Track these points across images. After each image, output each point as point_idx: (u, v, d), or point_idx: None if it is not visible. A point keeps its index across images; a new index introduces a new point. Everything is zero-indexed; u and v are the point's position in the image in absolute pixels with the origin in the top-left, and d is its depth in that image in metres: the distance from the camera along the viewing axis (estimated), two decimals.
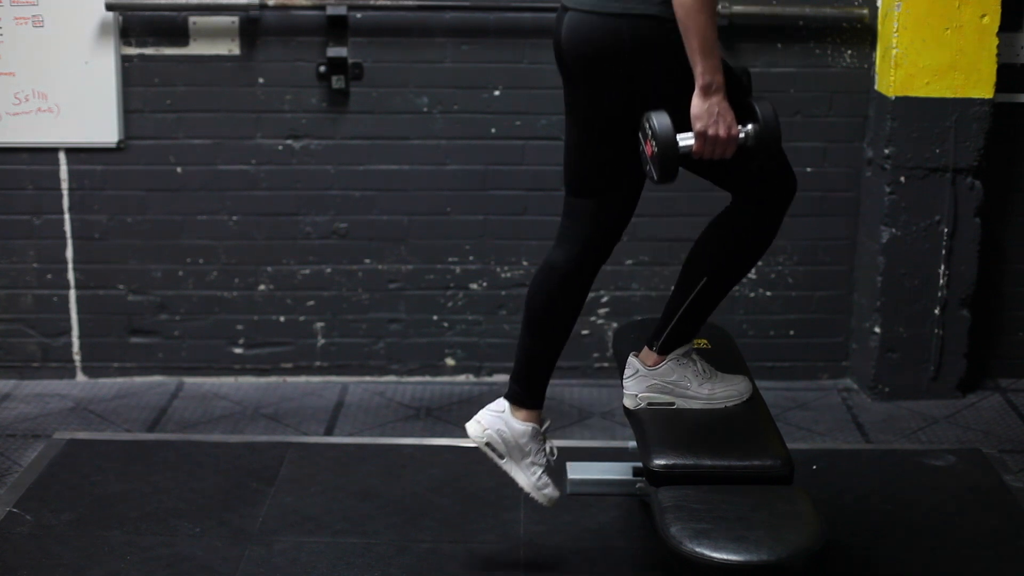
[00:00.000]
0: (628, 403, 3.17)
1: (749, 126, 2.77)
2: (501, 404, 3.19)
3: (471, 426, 3.19)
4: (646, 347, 3.16)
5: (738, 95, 2.78)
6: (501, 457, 3.18)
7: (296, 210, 4.47)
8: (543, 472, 3.20)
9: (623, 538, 3.51)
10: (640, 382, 3.14)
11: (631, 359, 3.17)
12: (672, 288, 3.16)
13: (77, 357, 4.55)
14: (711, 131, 2.70)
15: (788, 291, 4.56)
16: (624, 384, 3.18)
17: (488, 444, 3.17)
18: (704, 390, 3.13)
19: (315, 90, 4.38)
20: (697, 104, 2.70)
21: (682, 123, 2.72)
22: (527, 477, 3.19)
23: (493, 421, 3.17)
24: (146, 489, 3.75)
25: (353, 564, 3.38)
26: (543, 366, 3.18)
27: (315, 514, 3.62)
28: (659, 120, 2.69)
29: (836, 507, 3.65)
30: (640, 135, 2.76)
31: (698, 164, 2.87)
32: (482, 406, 4.39)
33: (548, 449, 3.22)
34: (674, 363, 3.12)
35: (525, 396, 3.18)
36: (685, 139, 2.72)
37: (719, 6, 4.26)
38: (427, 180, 4.45)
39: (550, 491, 3.22)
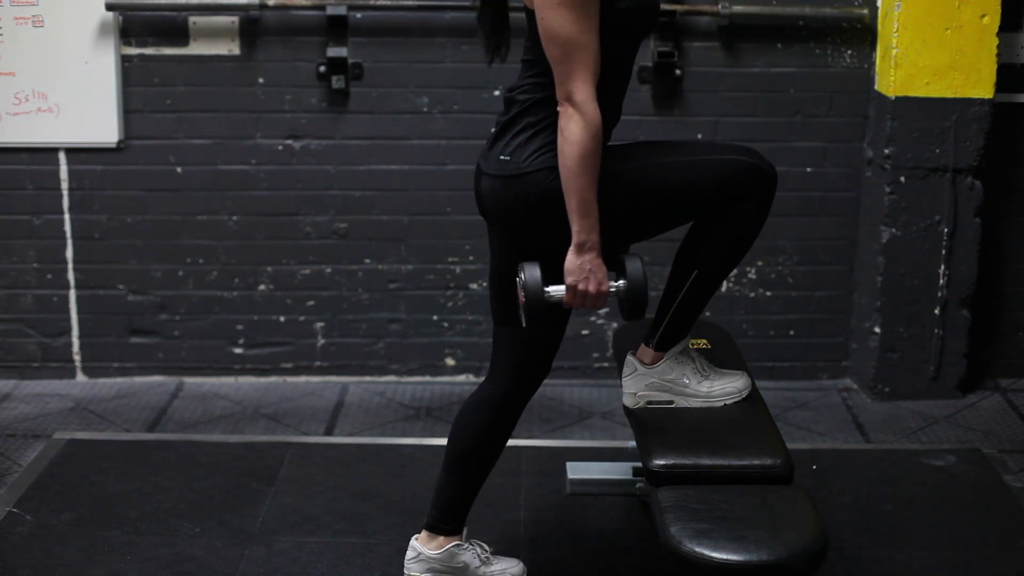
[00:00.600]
0: (627, 401, 3.17)
1: (621, 282, 2.87)
2: (415, 548, 3.18)
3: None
4: (643, 345, 3.16)
5: (612, 249, 2.88)
6: None
7: (296, 210, 4.47)
8: (491, 566, 3.21)
9: (623, 538, 3.51)
10: (639, 380, 3.14)
11: (629, 357, 3.17)
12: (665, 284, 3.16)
13: (77, 357, 4.55)
14: (581, 286, 2.82)
15: (788, 291, 4.56)
16: (623, 382, 3.18)
17: None
18: (703, 388, 3.13)
19: (315, 90, 4.38)
20: (571, 259, 2.81)
21: (554, 276, 2.84)
22: None
23: (419, 567, 3.18)
24: (146, 489, 3.75)
25: (353, 564, 3.38)
26: (466, 498, 3.19)
27: (315, 514, 3.62)
28: (529, 272, 2.82)
29: (836, 507, 3.65)
30: (517, 280, 2.88)
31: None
32: None
33: (478, 548, 3.22)
34: (672, 361, 3.12)
35: (444, 525, 3.18)
36: (556, 290, 2.83)
37: (718, 6, 4.27)
38: (427, 180, 4.46)
39: (515, 570, 3.23)
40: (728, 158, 2.95)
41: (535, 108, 2.87)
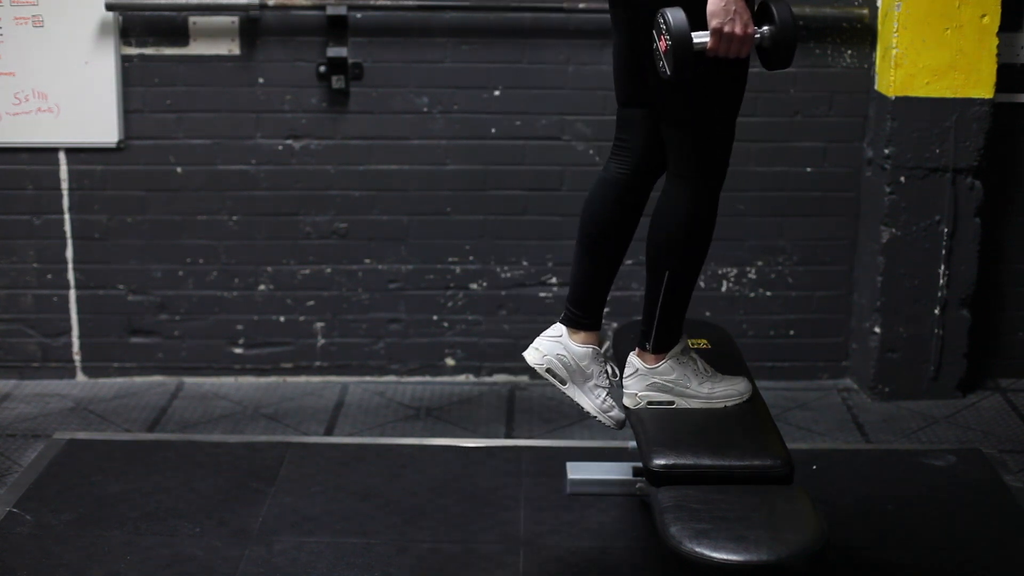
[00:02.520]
0: (628, 402, 3.17)
1: (765, 27, 2.80)
2: (558, 329, 3.15)
3: (529, 353, 3.15)
4: (639, 348, 3.16)
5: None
6: (563, 383, 3.14)
7: (296, 210, 4.47)
8: (607, 394, 3.16)
9: (623, 538, 3.51)
10: (640, 381, 3.14)
11: (631, 358, 3.17)
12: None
13: (77, 357, 4.55)
14: (727, 28, 2.73)
15: (788, 291, 4.56)
16: (624, 383, 3.18)
17: (549, 370, 3.13)
18: (704, 389, 3.13)
19: (315, 90, 4.38)
20: (714, 1, 2.73)
21: (696, 24, 2.74)
22: (591, 400, 3.15)
23: (552, 347, 3.13)
24: (146, 489, 3.75)
25: (353, 564, 3.38)
26: (600, 286, 3.14)
27: (315, 514, 3.62)
28: (674, 15, 2.72)
29: (836, 507, 3.65)
30: (654, 32, 2.79)
31: (675, 98, 2.90)
32: (482, 406, 4.42)
33: (610, 371, 3.18)
34: (674, 362, 3.12)
35: (582, 318, 3.14)
36: (700, 36, 2.74)
37: None
38: (427, 180, 4.46)
39: (616, 413, 3.18)
40: (729, 149, 2.97)
41: None
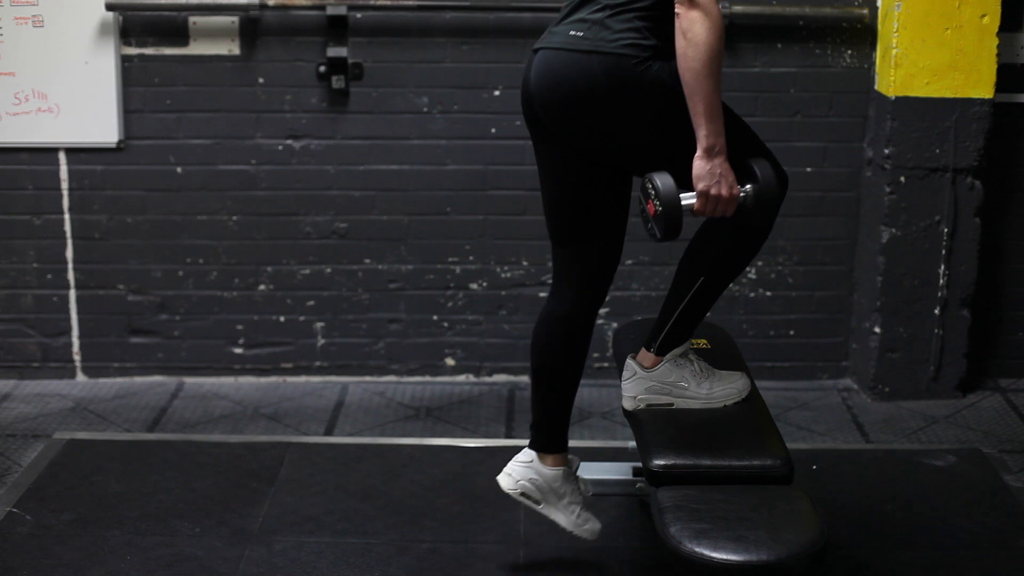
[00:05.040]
0: (627, 405, 3.17)
1: (748, 186, 2.84)
2: (528, 454, 3.23)
3: (503, 479, 3.23)
4: (643, 349, 3.16)
5: (739, 154, 2.83)
6: (537, 503, 3.22)
7: (296, 210, 4.47)
8: (580, 509, 3.24)
9: (623, 538, 3.51)
10: (639, 384, 3.14)
11: (629, 361, 3.17)
12: (668, 289, 3.16)
13: (77, 357, 4.55)
14: (713, 191, 2.76)
15: (788, 291, 4.56)
16: (623, 386, 3.18)
17: (523, 494, 3.22)
18: (703, 389, 3.13)
19: (315, 90, 4.38)
20: (700, 165, 2.75)
21: (679, 182, 2.79)
22: (566, 517, 3.23)
23: (524, 472, 3.22)
24: (146, 489, 3.75)
25: (353, 564, 3.38)
26: (561, 413, 3.21)
27: (315, 514, 3.62)
28: (662, 181, 2.76)
29: (836, 507, 3.65)
30: (641, 194, 2.83)
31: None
32: (482, 406, 4.42)
33: (582, 486, 3.27)
34: (672, 364, 3.12)
35: (548, 443, 3.21)
36: (687, 198, 2.79)
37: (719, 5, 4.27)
38: (427, 180, 4.46)
39: (591, 525, 3.26)
40: (778, 162, 2.94)
41: (638, 3, 2.78)
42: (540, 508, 3.22)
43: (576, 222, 3.02)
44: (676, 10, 2.69)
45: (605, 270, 3.08)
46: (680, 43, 2.68)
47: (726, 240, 2.99)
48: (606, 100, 2.81)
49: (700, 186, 2.75)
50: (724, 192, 2.76)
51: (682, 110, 2.74)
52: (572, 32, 2.83)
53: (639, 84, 2.77)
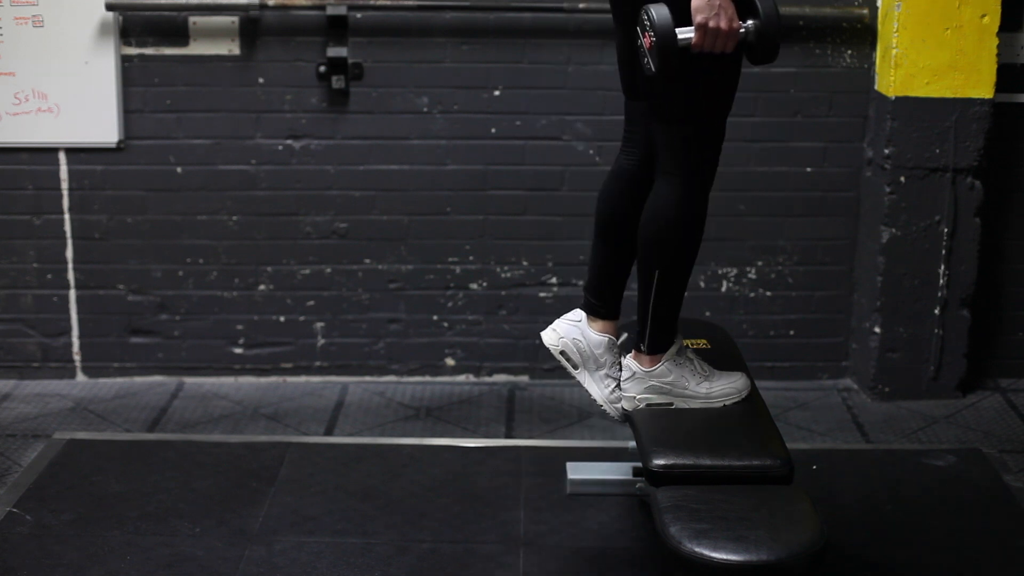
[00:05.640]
0: (627, 405, 3.17)
1: (750, 21, 2.79)
2: (578, 314, 3.17)
3: (547, 334, 3.17)
4: (634, 349, 3.15)
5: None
6: (575, 367, 3.16)
7: (296, 210, 4.47)
8: (616, 386, 3.18)
9: (623, 538, 3.51)
10: (637, 384, 3.14)
11: (626, 360, 3.17)
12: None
13: (77, 357, 4.55)
14: (712, 23, 2.73)
15: (788, 291, 4.56)
16: (622, 386, 3.18)
17: (563, 352, 3.15)
18: (702, 389, 3.13)
19: (315, 90, 4.38)
20: None
21: (681, 19, 2.74)
22: (600, 389, 3.18)
23: (570, 330, 3.16)
24: (146, 489, 3.75)
25: (353, 564, 3.38)
26: (617, 275, 3.17)
27: (315, 514, 3.62)
28: (657, 11, 2.72)
29: (836, 507, 3.65)
30: (638, 28, 2.78)
31: (664, 96, 2.91)
32: (482, 406, 4.42)
33: (622, 362, 3.20)
34: (671, 363, 3.12)
35: (600, 306, 3.17)
36: (685, 32, 2.74)
37: None
38: (427, 180, 4.46)
39: (623, 404, 3.19)
40: (720, 141, 2.96)
41: None
42: (576, 372, 3.16)
43: (628, 77, 3.02)
44: None
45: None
46: None
47: (666, 228, 2.99)
48: None
49: (699, 18, 2.73)
50: (723, 25, 2.73)
51: None
52: None
53: None
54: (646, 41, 2.74)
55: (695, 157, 2.97)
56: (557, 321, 3.20)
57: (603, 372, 3.17)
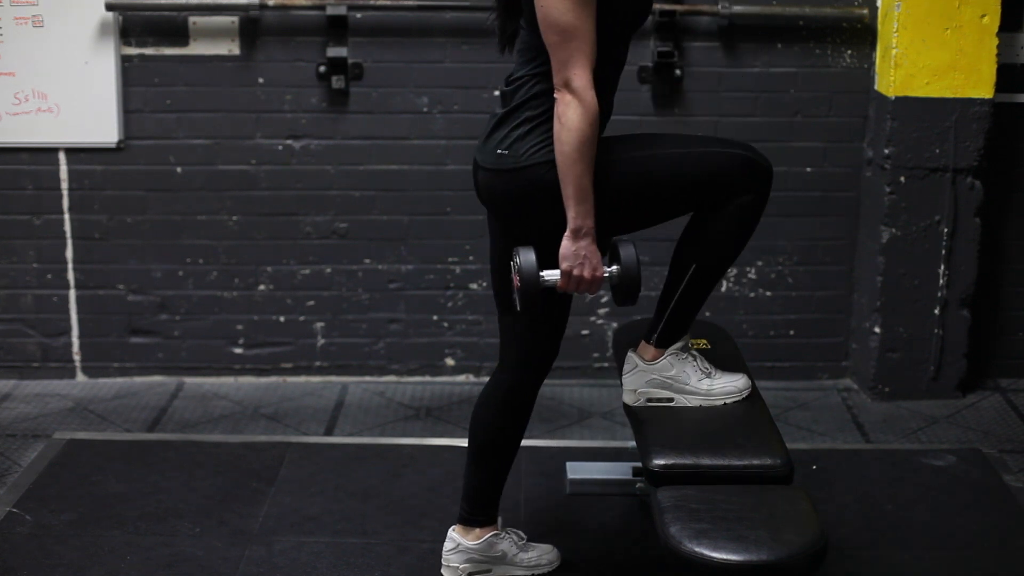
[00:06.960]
0: (627, 398, 3.17)
1: (614, 267, 2.90)
2: (453, 539, 3.25)
3: (445, 572, 3.27)
4: (643, 341, 3.16)
5: (606, 237, 2.91)
6: (489, 571, 3.27)
7: (296, 210, 4.47)
8: (526, 553, 3.29)
9: (623, 538, 3.51)
10: (639, 377, 3.15)
11: (630, 354, 3.18)
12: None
13: (77, 357, 4.55)
14: (576, 272, 2.86)
15: (788, 291, 4.56)
16: (623, 380, 3.18)
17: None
18: (703, 386, 3.13)
19: (315, 90, 4.38)
20: (566, 245, 2.84)
21: (551, 260, 2.86)
22: (523, 568, 3.29)
23: (458, 558, 3.25)
24: (146, 489, 3.75)
25: (353, 564, 3.38)
26: (497, 484, 3.25)
27: (315, 514, 3.62)
28: (524, 256, 2.84)
29: (836, 507, 3.65)
30: (511, 265, 2.91)
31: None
32: None
33: (515, 536, 3.30)
34: (673, 358, 3.13)
35: (480, 516, 3.25)
36: (550, 275, 2.86)
37: (718, 6, 4.27)
38: (427, 180, 4.46)
39: (550, 556, 3.33)
40: (724, 151, 2.96)
41: (534, 101, 2.89)
42: (496, 573, 3.28)
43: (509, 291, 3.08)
44: (555, 95, 2.78)
45: (548, 342, 3.13)
46: (555, 127, 2.78)
47: (716, 228, 2.99)
48: (531, 203, 2.90)
49: (564, 266, 2.85)
50: (587, 274, 2.85)
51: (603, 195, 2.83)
52: (499, 151, 2.93)
53: (554, 185, 2.83)
54: (515, 280, 2.87)
55: (743, 183, 2.99)
56: (443, 556, 3.27)
57: (510, 556, 3.26)
